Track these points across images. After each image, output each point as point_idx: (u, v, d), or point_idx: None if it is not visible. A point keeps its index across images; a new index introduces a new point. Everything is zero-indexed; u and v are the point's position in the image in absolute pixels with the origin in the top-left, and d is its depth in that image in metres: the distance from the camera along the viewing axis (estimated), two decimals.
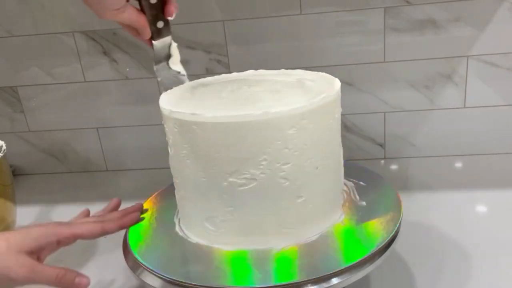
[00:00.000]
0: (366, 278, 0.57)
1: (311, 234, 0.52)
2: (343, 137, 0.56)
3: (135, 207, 0.60)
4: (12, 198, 0.68)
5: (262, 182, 0.49)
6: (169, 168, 0.56)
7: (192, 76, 0.63)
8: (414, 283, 0.58)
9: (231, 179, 0.49)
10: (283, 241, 0.51)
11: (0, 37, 0.89)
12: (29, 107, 0.94)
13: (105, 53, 0.88)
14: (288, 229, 0.51)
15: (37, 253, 0.50)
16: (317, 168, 0.50)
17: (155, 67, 0.58)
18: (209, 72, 0.87)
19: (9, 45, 0.90)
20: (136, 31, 0.54)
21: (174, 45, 0.58)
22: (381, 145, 0.90)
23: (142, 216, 0.59)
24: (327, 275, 0.45)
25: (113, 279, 0.63)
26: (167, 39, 0.57)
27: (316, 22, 0.82)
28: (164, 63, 0.58)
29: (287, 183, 0.49)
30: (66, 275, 0.49)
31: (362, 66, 0.84)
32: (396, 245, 0.50)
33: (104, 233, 0.54)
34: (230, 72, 0.64)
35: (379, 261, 0.48)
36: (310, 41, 0.84)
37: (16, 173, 0.99)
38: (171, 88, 0.58)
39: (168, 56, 0.58)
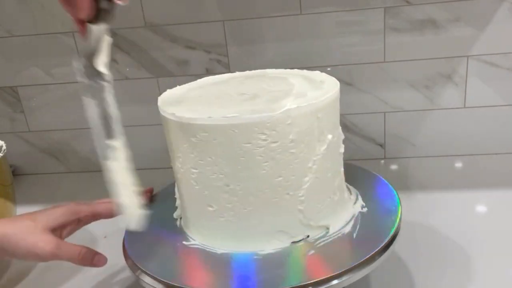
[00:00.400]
0: (366, 278, 0.57)
1: (223, 248, 0.52)
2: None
3: (148, 189, 0.63)
4: (12, 198, 0.68)
5: (182, 177, 0.53)
6: (168, 168, 0.56)
7: (192, 76, 0.63)
8: (414, 283, 0.58)
9: (172, 164, 0.55)
10: (198, 239, 0.54)
11: (0, 37, 0.89)
12: (29, 107, 0.94)
13: None
14: (203, 229, 0.53)
15: (59, 231, 0.54)
16: (228, 186, 0.49)
17: (76, 61, 0.46)
18: (209, 72, 0.87)
19: (9, 45, 0.90)
20: (72, 5, 0.45)
21: (108, 40, 0.46)
22: (381, 145, 0.90)
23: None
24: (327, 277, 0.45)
25: (113, 279, 0.63)
26: (103, 28, 0.45)
27: (316, 22, 0.82)
28: (87, 58, 0.46)
29: (197, 187, 0.51)
30: (86, 253, 0.53)
31: (362, 66, 0.84)
32: (396, 245, 0.50)
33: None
34: (230, 72, 0.64)
35: (379, 261, 0.48)
36: (310, 41, 0.84)
37: (16, 173, 0.99)
38: (91, 94, 0.47)
39: (96, 51, 0.46)
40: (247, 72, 0.63)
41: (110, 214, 0.56)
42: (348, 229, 0.53)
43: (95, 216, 0.57)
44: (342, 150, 0.55)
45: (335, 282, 0.45)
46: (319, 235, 0.52)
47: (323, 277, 0.45)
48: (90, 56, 0.46)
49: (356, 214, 0.55)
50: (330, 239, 0.51)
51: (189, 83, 0.61)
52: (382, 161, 0.90)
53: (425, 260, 0.61)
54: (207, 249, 0.52)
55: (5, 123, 0.96)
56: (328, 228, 0.53)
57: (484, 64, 0.82)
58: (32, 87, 0.93)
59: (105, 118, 0.47)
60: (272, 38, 0.84)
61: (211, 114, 0.47)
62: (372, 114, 0.87)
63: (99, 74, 0.47)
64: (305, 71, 0.60)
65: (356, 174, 0.62)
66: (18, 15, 0.87)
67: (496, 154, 0.87)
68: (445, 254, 0.62)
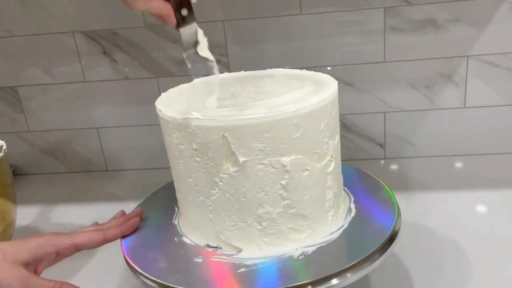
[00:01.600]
0: (366, 278, 0.57)
1: (186, 231, 0.55)
2: (343, 137, 0.55)
3: (135, 213, 0.58)
4: (12, 198, 0.68)
5: None
6: (169, 168, 0.56)
7: (192, 76, 0.63)
8: (413, 283, 0.58)
9: None
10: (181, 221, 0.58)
11: (0, 37, 0.89)
12: (29, 107, 0.94)
13: (105, 53, 0.88)
14: (182, 210, 0.56)
15: (34, 265, 0.48)
16: (170, 168, 0.54)
17: (184, 54, 0.58)
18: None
19: (9, 45, 0.90)
20: (163, 20, 0.55)
21: (200, 32, 0.58)
22: (381, 145, 0.90)
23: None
24: (327, 275, 0.45)
25: (113, 279, 0.63)
26: (193, 26, 0.57)
27: (316, 22, 0.82)
28: (192, 50, 0.59)
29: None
30: None
31: (362, 66, 0.84)
32: (395, 245, 0.50)
33: (105, 241, 0.53)
34: (229, 72, 0.64)
35: (378, 261, 0.48)
36: (310, 41, 0.84)
37: (16, 173, 0.99)
38: (202, 74, 0.59)
39: (196, 43, 0.59)
40: (287, 70, 0.61)
41: (92, 244, 0.51)
42: (254, 261, 0.47)
43: (76, 248, 0.51)
44: (284, 182, 0.47)
45: (334, 281, 0.45)
46: (230, 252, 0.49)
47: (322, 276, 0.45)
48: (193, 46, 0.59)
49: (284, 256, 0.48)
50: (229, 262, 0.48)
51: (217, 75, 0.62)
52: (382, 161, 0.90)
53: (425, 260, 0.61)
54: (167, 219, 0.58)
55: (5, 123, 0.96)
56: (240, 250, 0.49)
57: (484, 64, 0.82)
58: (32, 87, 0.93)
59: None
60: (272, 38, 0.84)
61: (175, 106, 0.50)
62: (372, 114, 0.87)
63: (204, 58, 0.59)
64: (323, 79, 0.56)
65: (352, 175, 0.62)
66: (18, 15, 0.87)
67: (496, 154, 0.87)
68: (445, 254, 0.62)
